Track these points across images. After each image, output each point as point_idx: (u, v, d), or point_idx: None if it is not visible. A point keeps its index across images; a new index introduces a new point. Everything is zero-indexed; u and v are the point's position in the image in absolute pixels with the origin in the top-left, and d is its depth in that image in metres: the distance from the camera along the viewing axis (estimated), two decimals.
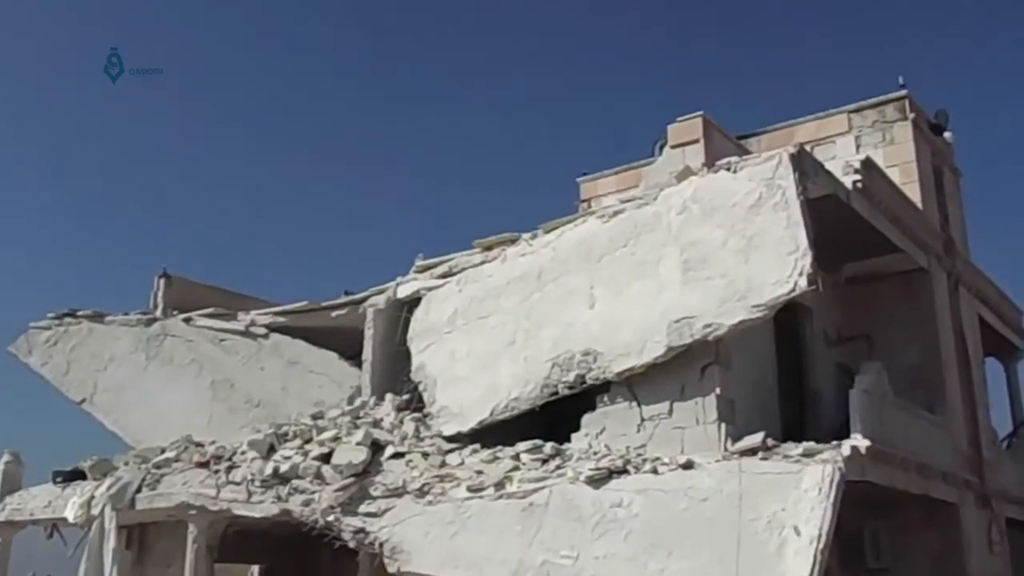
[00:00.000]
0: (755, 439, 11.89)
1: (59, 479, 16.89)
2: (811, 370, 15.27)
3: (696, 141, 15.03)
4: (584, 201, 20.04)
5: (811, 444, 11.65)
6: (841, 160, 15.29)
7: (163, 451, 16.03)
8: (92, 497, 15.41)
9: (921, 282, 16.70)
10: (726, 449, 12.06)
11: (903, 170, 17.40)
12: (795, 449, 11.57)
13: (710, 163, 13.69)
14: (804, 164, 12.61)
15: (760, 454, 11.64)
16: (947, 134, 19.56)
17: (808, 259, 11.81)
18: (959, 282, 18.18)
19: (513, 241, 15.01)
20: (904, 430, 14.00)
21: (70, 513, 15.57)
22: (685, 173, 13.51)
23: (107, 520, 15.11)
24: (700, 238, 12.77)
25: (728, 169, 12.95)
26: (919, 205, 17.02)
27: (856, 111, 18.22)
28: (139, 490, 15.20)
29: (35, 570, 27.46)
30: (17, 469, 18.01)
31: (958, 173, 20.15)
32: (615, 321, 13.12)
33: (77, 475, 16.66)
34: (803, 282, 11.81)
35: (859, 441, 12.00)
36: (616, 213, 13.84)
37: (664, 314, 12.66)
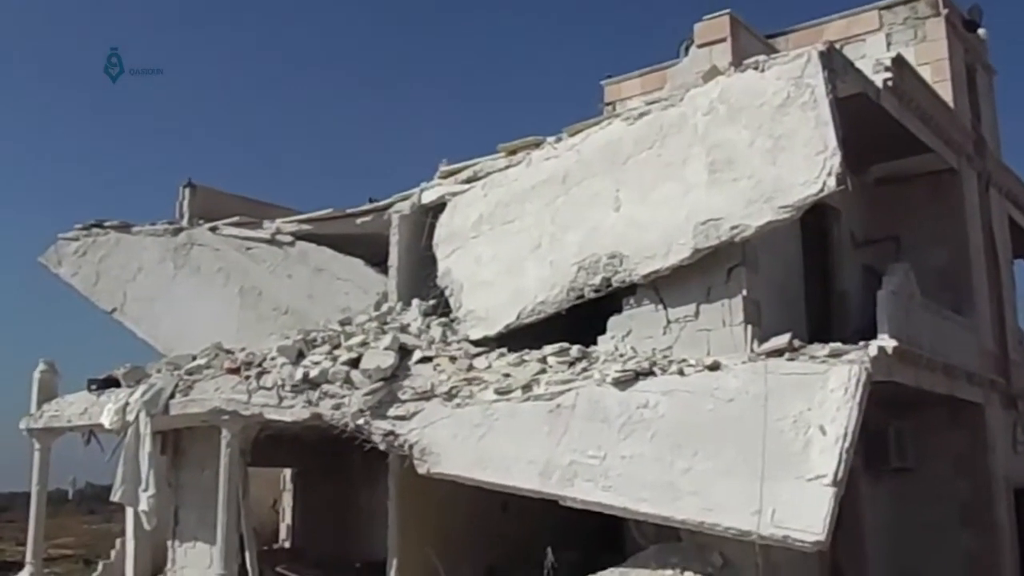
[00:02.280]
0: (781, 340, 11.91)
1: (94, 387, 17.17)
2: (838, 272, 15.20)
3: (723, 40, 14.76)
4: (608, 104, 19.74)
5: (838, 345, 11.67)
6: (871, 59, 14.96)
7: (194, 358, 16.21)
8: (127, 404, 15.66)
9: (951, 183, 16.48)
10: (752, 351, 12.10)
11: (935, 68, 17.01)
12: (821, 350, 11.59)
13: (737, 63, 13.43)
14: (833, 62, 12.35)
15: (786, 355, 11.66)
16: (981, 31, 19.06)
17: (837, 159, 11.65)
18: (989, 183, 17.92)
19: (538, 145, 14.87)
20: (931, 331, 13.98)
21: (106, 419, 15.86)
22: (712, 73, 13.28)
23: (142, 426, 15.39)
24: (727, 139, 12.60)
25: (756, 68, 12.71)
26: (950, 104, 16.67)
27: (887, 7, 17.73)
28: (172, 396, 15.43)
29: (75, 474, 28.24)
30: (52, 378, 18.33)
31: (991, 71, 19.69)
32: (641, 224, 13.05)
33: (111, 383, 16.92)
34: (832, 182, 11.67)
35: (886, 342, 12.03)
36: (642, 115, 13.66)
37: (690, 216, 12.59)
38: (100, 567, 19.33)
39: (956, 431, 15.54)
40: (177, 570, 16.57)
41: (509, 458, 12.09)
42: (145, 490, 15.32)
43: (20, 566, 18.25)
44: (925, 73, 16.41)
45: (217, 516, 14.63)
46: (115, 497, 15.75)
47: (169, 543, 16.89)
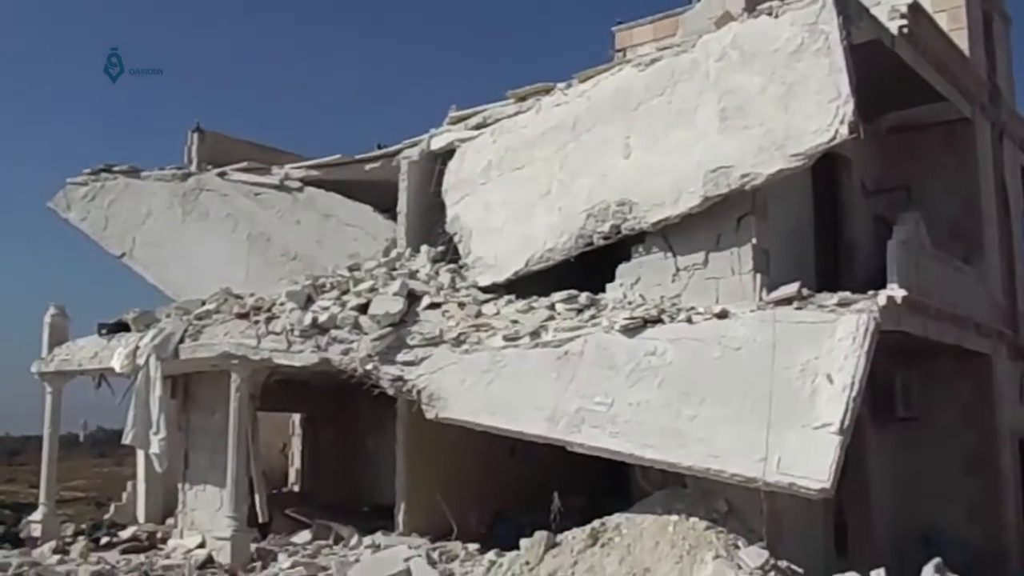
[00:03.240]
0: (790, 289, 11.90)
1: (104, 331, 17.26)
2: (848, 221, 15.14)
3: None
4: (619, 51, 19.54)
5: (846, 294, 11.67)
6: (887, 5, 14.73)
7: (203, 303, 16.26)
8: (137, 348, 15.74)
9: (964, 132, 16.33)
10: (761, 299, 12.08)
11: (951, 15, 16.78)
12: (830, 299, 11.58)
13: (750, 8, 13.24)
14: (848, 8, 12.19)
15: (795, 304, 11.66)
16: None
17: (850, 106, 11.54)
18: (1003, 133, 17.77)
19: (548, 91, 14.75)
20: (940, 281, 13.94)
21: (116, 363, 15.95)
22: (725, 19, 13.12)
23: (152, 369, 15.48)
24: (739, 85, 12.47)
25: (769, 14, 12.55)
26: (966, 52, 16.48)
27: None
28: (182, 340, 15.48)
29: (85, 418, 28.50)
30: (63, 322, 18.41)
31: (1008, 19, 19.42)
32: (651, 171, 12.98)
33: (121, 327, 17.00)
34: (844, 130, 11.58)
35: (895, 291, 12.00)
36: (653, 61, 13.53)
37: (701, 163, 12.51)
38: (112, 509, 19.57)
39: (963, 381, 15.58)
40: (188, 512, 16.74)
41: (517, 404, 12.16)
42: (156, 433, 15.45)
43: (33, 507, 18.49)
44: (941, 20, 16.20)
45: (227, 459, 14.75)
46: (127, 440, 15.90)
47: (180, 485, 17.05)
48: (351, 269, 15.64)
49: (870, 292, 11.80)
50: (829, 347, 10.82)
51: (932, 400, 15.27)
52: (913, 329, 12.80)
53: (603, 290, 13.38)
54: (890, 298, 11.72)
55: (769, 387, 10.80)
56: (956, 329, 14.46)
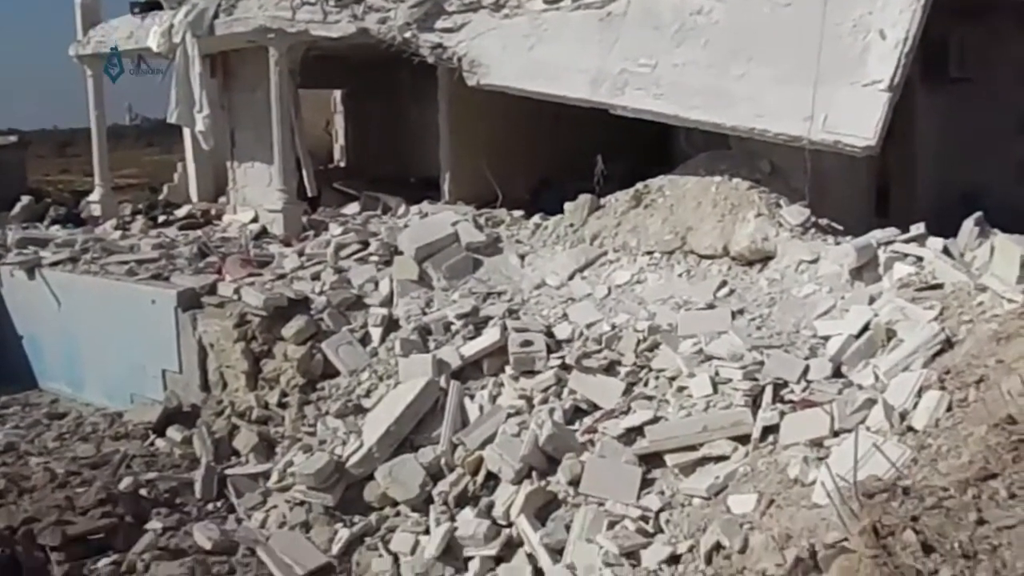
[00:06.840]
0: None
1: (137, 10, 16.94)
2: None
3: None
4: None
5: None
6: None
7: None
8: (171, 25, 15.49)
9: None
10: None
11: None
12: None
13: None
14: None
15: None
16: None
17: None
18: None
19: None
20: None
21: (152, 42, 15.77)
22: None
23: (189, 47, 15.31)
24: None
25: None
26: None
27: None
28: (216, 16, 15.19)
29: (129, 101, 28.66)
30: (95, 2, 18.07)
31: None
32: None
33: (154, 6, 16.66)
34: None
35: None
36: None
37: None
38: (165, 189, 20.06)
39: (1022, 37, 14.95)
40: (238, 188, 17.16)
41: (559, 68, 11.95)
42: (199, 111, 15.53)
43: (90, 193, 19.03)
44: None
45: (272, 136, 14.87)
46: (171, 119, 16.02)
47: (228, 164, 17.37)
48: None
49: None
50: (884, 1, 10.35)
51: (988, 60, 14.73)
52: None
53: None
54: None
55: (819, 44, 10.45)
56: None
